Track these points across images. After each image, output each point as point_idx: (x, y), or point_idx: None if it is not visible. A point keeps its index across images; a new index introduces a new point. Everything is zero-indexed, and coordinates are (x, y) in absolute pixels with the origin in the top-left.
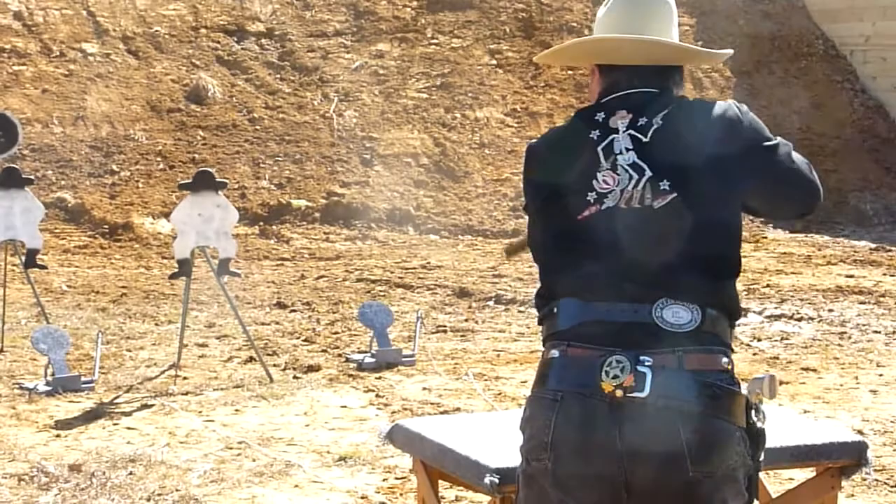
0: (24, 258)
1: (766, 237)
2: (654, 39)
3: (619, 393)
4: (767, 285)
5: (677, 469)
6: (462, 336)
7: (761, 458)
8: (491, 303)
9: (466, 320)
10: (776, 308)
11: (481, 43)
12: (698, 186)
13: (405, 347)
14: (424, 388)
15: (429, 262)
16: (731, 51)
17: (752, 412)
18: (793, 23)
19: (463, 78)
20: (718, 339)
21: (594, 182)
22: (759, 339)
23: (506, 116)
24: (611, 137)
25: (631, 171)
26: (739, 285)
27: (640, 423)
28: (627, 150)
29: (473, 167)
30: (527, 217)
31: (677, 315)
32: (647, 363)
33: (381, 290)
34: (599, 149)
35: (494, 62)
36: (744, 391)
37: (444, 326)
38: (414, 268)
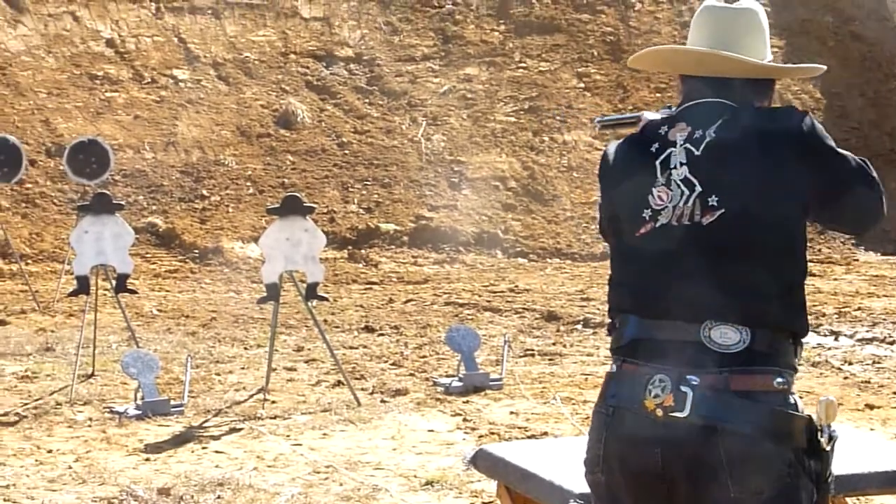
0: (114, 283)
1: (857, 259)
2: (719, 53)
3: (659, 412)
4: (859, 308)
5: (719, 489)
6: (550, 360)
7: (830, 479)
8: (579, 326)
9: (554, 344)
10: (867, 331)
11: (569, 66)
12: (748, 201)
13: (493, 371)
14: (512, 412)
15: (517, 286)
16: (810, 65)
17: (818, 433)
18: (883, 44)
19: (551, 101)
20: (772, 359)
21: (650, 198)
22: (851, 363)
23: (594, 139)
24: (668, 151)
25: (683, 187)
26: (830, 308)
27: (681, 441)
28: (682, 164)
29: (561, 190)
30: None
31: (725, 335)
32: (692, 383)
33: (468, 314)
34: (657, 163)
35: (582, 85)
36: (808, 412)
37: (532, 350)
38: (502, 291)
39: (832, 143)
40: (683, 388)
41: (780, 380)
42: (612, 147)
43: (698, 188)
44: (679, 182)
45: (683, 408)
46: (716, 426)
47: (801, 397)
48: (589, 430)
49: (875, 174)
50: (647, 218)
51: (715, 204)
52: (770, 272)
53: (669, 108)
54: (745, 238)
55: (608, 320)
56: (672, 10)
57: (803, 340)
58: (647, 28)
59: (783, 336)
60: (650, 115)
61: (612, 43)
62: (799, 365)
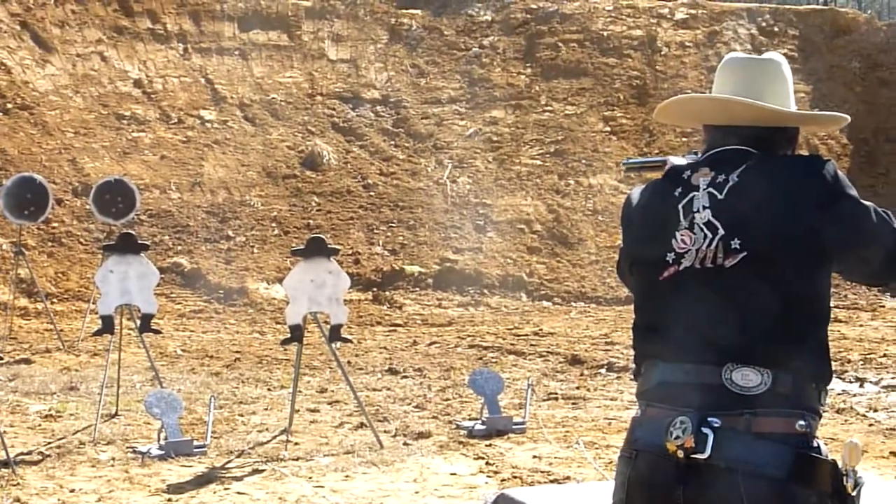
0: (139, 323)
1: (883, 306)
2: (743, 101)
3: (680, 454)
4: (884, 355)
5: None
6: (573, 404)
7: None
8: (603, 370)
9: (578, 388)
10: (893, 378)
11: (595, 110)
12: (770, 245)
13: (516, 415)
14: (535, 456)
15: (541, 329)
16: (833, 114)
17: (843, 478)
18: None
19: (576, 144)
20: (794, 402)
21: (673, 241)
22: (876, 410)
23: (619, 183)
24: (691, 195)
25: (706, 230)
26: (855, 354)
27: (703, 484)
28: (704, 207)
29: (587, 234)
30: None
31: (746, 378)
32: (713, 425)
33: (492, 357)
34: (680, 206)
35: (608, 129)
36: (832, 457)
37: (556, 394)
38: (526, 334)
39: (855, 193)
40: (704, 430)
41: (802, 423)
42: (635, 191)
43: (721, 231)
44: (702, 225)
45: (704, 449)
46: (737, 468)
47: (826, 443)
48: (615, 475)
49: None
50: (671, 261)
51: (738, 247)
52: (792, 316)
53: (695, 153)
54: (767, 281)
55: (633, 365)
56: (699, 54)
57: (828, 385)
58: (674, 73)
59: (806, 379)
60: (676, 160)
61: (638, 87)
62: (823, 410)
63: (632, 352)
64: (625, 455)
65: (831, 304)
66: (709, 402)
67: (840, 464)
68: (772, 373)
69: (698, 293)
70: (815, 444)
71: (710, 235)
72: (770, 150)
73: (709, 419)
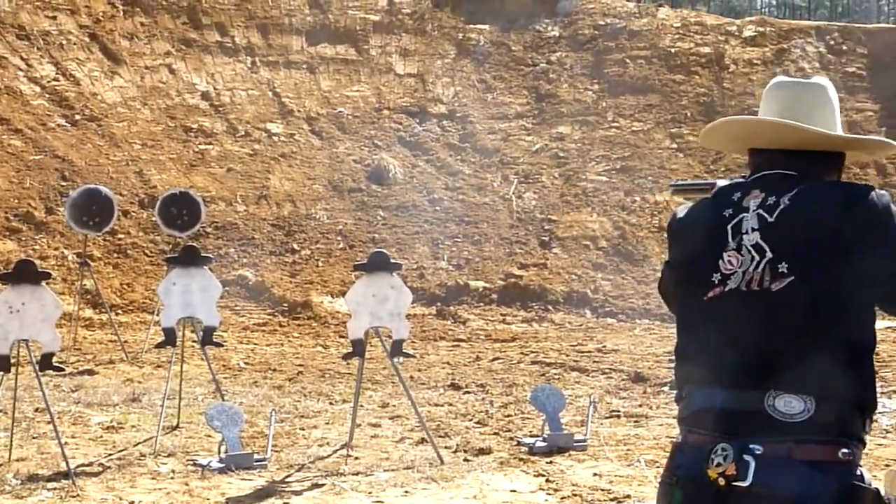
0: (201, 335)
1: None
2: (789, 123)
3: (721, 481)
4: None
5: None
6: (635, 421)
7: None
8: (666, 388)
9: (640, 405)
10: None
11: (662, 126)
12: (817, 270)
13: (577, 432)
14: (595, 474)
15: (605, 346)
16: (881, 139)
17: None
18: None
19: (643, 161)
20: (837, 429)
21: (720, 262)
22: None
23: (686, 200)
24: (740, 216)
25: (753, 252)
26: None
27: None
28: (753, 229)
29: (652, 251)
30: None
31: (789, 405)
32: (756, 452)
33: (555, 373)
34: (729, 227)
35: (675, 146)
36: (875, 486)
37: (618, 411)
38: (590, 351)
39: None
40: (746, 457)
41: (845, 451)
42: (682, 209)
43: (769, 254)
44: (750, 247)
45: (745, 477)
46: (779, 496)
47: (887, 464)
48: (656, 501)
49: None
50: (717, 282)
51: (785, 271)
52: (836, 342)
53: (742, 177)
54: (814, 307)
55: (676, 390)
56: (766, 72)
57: (873, 413)
58: (741, 90)
59: (849, 407)
60: (723, 184)
61: (705, 104)
62: (867, 437)
63: (674, 376)
64: (666, 482)
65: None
66: (751, 428)
67: (883, 493)
68: (815, 400)
69: (742, 315)
70: (859, 473)
71: (757, 258)
72: (817, 175)
73: (750, 446)
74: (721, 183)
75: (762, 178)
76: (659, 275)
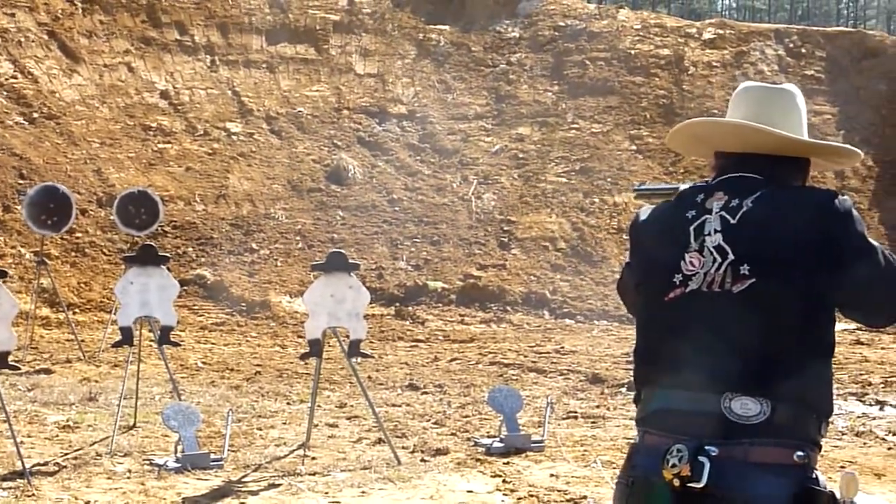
0: (158, 335)
1: None
2: (754, 126)
3: (676, 482)
4: None
5: None
6: (593, 422)
7: None
8: (623, 389)
9: (598, 406)
10: None
11: (621, 128)
12: (779, 273)
13: (535, 433)
14: (552, 475)
15: (563, 347)
16: (846, 146)
17: None
18: None
19: (602, 163)
20: (793, 432)
21: (682, 263)
22: (895, 434)
23: (649, 204)
24: (703, 218)
25: (715, 254)
26: (876, 377)
27: None
28: (716, 231)
29: (611, 252)
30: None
31: (745, 407)
32: (710, 453)
33: (513, 374)
34: (691, 228)
35: (634, 147)
36: (830, 488)
37: (575, 412)
38: (548, 352)
39: (864, 231)
40: (701, 459)
41: (800, 454)
42: (645, 211)
43: (731, 256)
44: (712, 249)
45: (700, 478)
46: (733, 498)
47: (843, 466)
48: (612, 502)
49: None
50: (678, 283)
51: (747, 273)
52: (795, 346)
53: (706, 181)
54: (774, 310)
55: (634, 391)
56: (725, 74)
57: (829, 417)
58: (701, 92)
59: (806, 410)
60: (686, 187)
61: (665, 106)
62: (823, 441)
63: (633, 377)
64: (622, 482)
65: (852, 327)
66: (707, 430)
67: (838, 495)
68: (771, 403)
69: (703, 317)
70: (814, 476)
71: (719, 259)
72: (782, 180)
73: (706, 448)
74: (684, 187)
75: (726, 180)
76: (618, 276)
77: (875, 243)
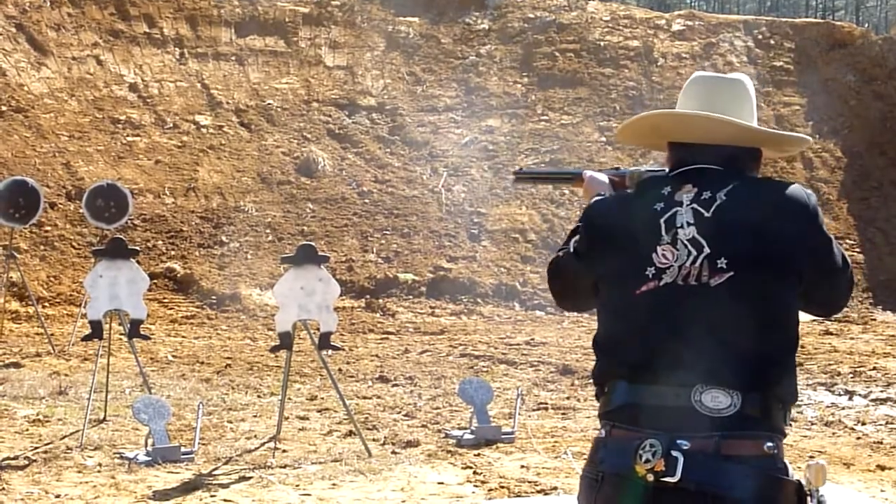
0: (128, 328)
1: (874, 319)
2: (706, 115)
3: (650, 477)
4: (874, 368)
5: None
6: (563, 414)
7: None
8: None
9: (568, 398)
10: (882, 391)
11: (591, 120)
12: (755, 267)
13: (505, 424)
14: (523, 466)
15: (533, 339)
16: (795, 134)
17: (807, 498)
18: None
19: (572, 154)
20: (762, 423)
21: (654, 256)
22: (864, 423)
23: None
24: (674, 210)
25: (690, 247)
26: (845, 367)
27: None
28: (689, 224)
29: None
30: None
31: (716, 399)
32: (683, 447)
33: (483, 366)
34: (662, 221)
35: (604, 139)
36: (797, 477)
37: (546, 404)
38: (518, 344)
39: (825, 227)
40: (674, 453)
41: (770, 444)
42: (601, 203)
43: (707, 249)
44: (686, 242)
45: (674, 473)
46: (707, 491)
47: (812, 456)
48: (577, 496)
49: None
50: (651, 276)
51: (724, 266)
52: (765, 338)
53: (663, 171)
54: (748, 303)
55: (597, 384)
56: (695, 65)
57: (794, 404)
58: (670, 84)
59: (773, 401)
60: (594, 174)
61: (634, 98)
62: (788, 428)
63: (595, 371)
64: (589, 476)
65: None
66: (678, 424)
67: (804, 484)
68: (741, 395)
69: (677, 310)
70: (781, 465)
71: (694, 252)
72: (737, 169)
73: (677, 442)
74: (590, 173)
75: (691, 171)
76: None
77: (831, 236)
